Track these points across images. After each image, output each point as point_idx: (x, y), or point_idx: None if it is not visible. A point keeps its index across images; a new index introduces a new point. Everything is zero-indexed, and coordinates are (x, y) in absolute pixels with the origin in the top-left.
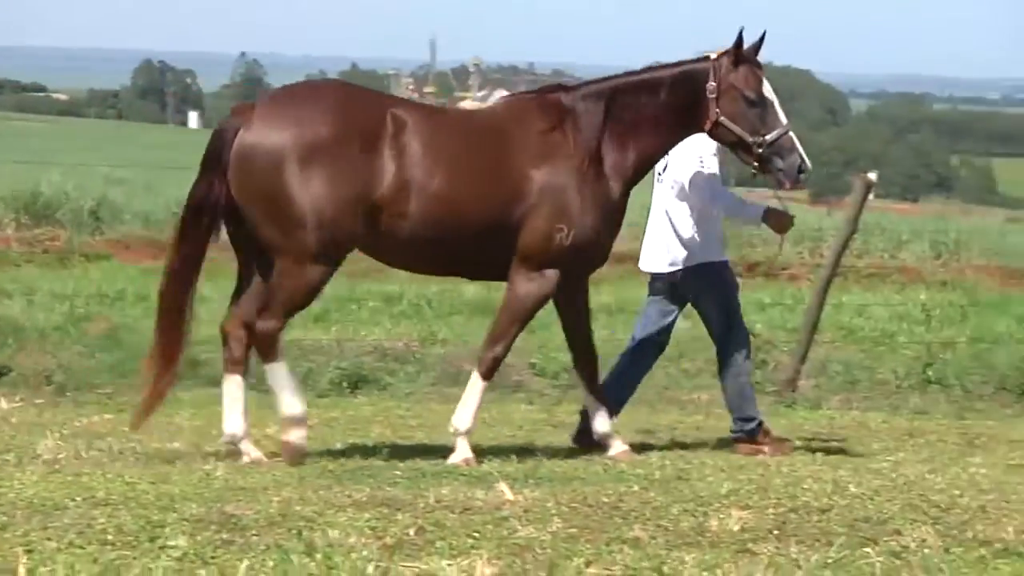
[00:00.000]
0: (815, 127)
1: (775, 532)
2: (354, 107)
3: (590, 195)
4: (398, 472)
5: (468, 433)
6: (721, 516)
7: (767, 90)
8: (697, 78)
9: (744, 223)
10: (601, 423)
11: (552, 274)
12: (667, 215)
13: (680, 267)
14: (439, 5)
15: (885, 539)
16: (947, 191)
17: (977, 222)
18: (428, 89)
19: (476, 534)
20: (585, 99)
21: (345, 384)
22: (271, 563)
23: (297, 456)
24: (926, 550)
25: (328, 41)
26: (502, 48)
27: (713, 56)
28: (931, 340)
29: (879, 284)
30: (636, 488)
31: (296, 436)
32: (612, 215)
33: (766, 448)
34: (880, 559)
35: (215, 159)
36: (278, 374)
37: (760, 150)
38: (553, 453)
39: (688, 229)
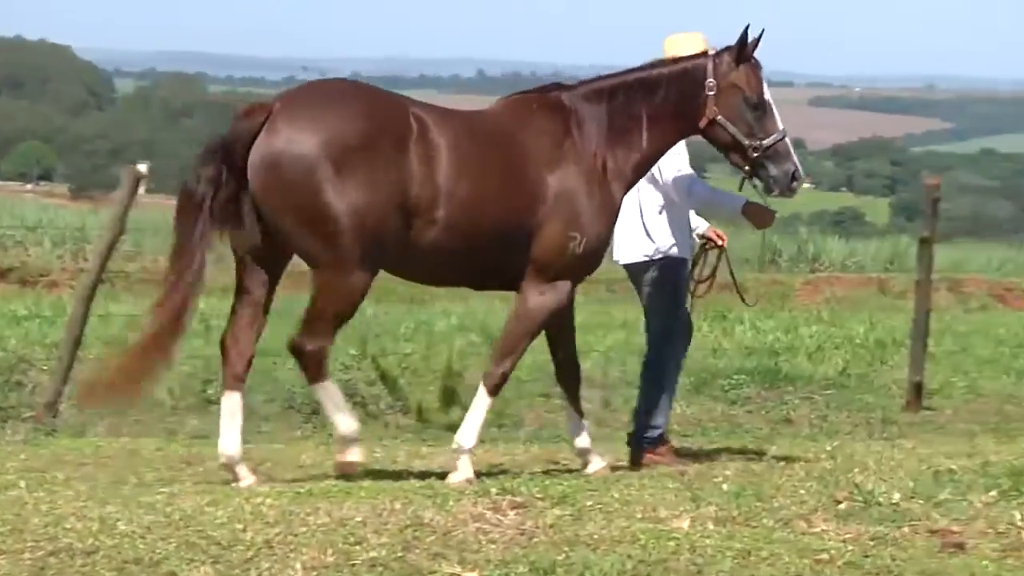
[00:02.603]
0: (75, 111)
1: None
2: (381, 106)
3: (599, 200)
4: None
5: (471, 451)
6: None
7: (767, 92)
8: (696, 75)
9: (721, 216)
10: (582, 439)
11: (564, 285)
12: (639, 206)
13: (650, 258)
14: None
15: None
16: None
17: None
18: None
19: None
20: (587, 98)
21: None
22: None
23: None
24: None
25: None
26: None
27: (711, 52)
28: (211, 354)
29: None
30: None
31: (353, 455)
32: (615, 220)
33: (664, 458)
34: None
35: (224, 150)
36: (329, 393)
37: (755, 154)
38: None
39: (659, 221)
